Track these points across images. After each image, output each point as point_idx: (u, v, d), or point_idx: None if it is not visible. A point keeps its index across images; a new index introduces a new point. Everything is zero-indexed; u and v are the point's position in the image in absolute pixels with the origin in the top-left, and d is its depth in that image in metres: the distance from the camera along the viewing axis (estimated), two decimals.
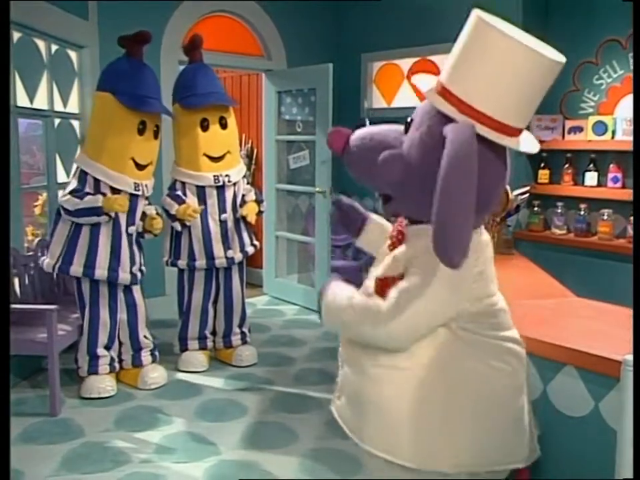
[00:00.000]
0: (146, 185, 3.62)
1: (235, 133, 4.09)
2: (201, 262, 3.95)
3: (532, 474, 1.97)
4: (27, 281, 3.76)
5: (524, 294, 2.71)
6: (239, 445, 3.14)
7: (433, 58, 5.50)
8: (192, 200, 3.90)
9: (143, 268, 3.81)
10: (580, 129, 4.70)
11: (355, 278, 6.00)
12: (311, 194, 5.66)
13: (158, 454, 3.04)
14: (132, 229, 3.64)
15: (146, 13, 4.83)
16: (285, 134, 5.79)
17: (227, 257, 3.97)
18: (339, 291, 1.88)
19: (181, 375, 3.98)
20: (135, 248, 3.71)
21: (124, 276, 3.59)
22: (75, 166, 3.65)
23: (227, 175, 3.93)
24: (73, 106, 4.45)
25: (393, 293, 1.69)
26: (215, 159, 3.91)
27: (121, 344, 3.77)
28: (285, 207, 5.99)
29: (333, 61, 5.21)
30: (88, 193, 3.44)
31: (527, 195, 3.60)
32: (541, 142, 4.69)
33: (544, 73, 1.58)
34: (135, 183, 3.53)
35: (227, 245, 3.98)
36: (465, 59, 1.63)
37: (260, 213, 4.12)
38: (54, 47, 4.19)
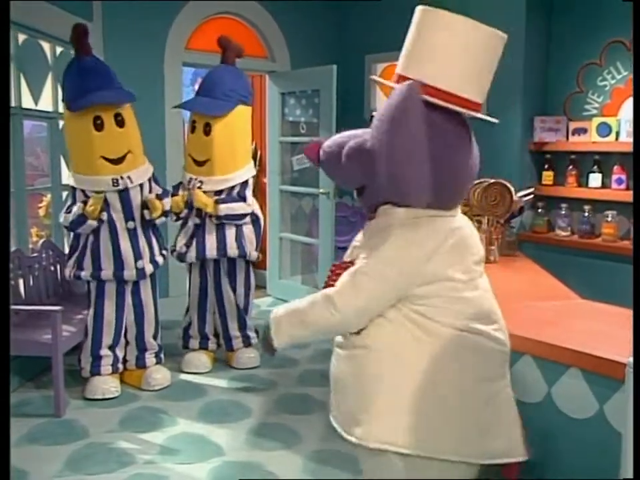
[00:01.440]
0: (129, 177, 3.51)
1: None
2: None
3: (535, 475, 1.97)
4: (31, 282, 3.77)
5: (528, 295, 2.71)
6: (242, 446, 3.15)
7: None
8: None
9: (158, 258, 3.76)
10: (584, 131, 4.69)
11: None
12: (315, 195, 5.66)
13: (162, 455, 3.05)
14: (131, 224, 3.59)
15: (150, 15, 4.85)
16: (289, 135, 5.79)
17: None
18: (281, 310, 1.94)
19: (184, 376, 3.99)
20: (142, 241, 3.65)
21: (129, 273, 3.58)
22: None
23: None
24: None
25: (342, 277, 1.75)
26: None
27: (127, 344, 3.78)
28: (289, 208, 6.00)
29: (336, 62, 5.21)
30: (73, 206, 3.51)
31: (531, 196, 3.60)
32: (544, 143, 4.89)
33: (488, 45, 1.77)
34: (113, 179, 3.47)
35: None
36: (415, 46, 1.76)
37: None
38: (59, 49, 4.20)
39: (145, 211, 3.62)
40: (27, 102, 3.91)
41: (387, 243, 1.68)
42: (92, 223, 3.46)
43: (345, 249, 5.54)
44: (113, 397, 3.60)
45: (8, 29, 2.06)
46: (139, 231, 3.64)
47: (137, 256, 3.61)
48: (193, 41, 5.24)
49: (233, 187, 3.93)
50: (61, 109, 4.23)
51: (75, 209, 3.47)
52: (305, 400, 3.69)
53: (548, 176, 4.97)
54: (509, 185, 3.44)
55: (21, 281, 3.69)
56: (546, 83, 5.02)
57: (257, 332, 4.21)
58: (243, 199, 4.01)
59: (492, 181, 3.49)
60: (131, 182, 3.53)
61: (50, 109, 4.13)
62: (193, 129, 3.92)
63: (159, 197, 3.67)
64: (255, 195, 6.34)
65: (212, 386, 3.87)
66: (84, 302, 3.76)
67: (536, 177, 5.08)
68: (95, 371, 3.62)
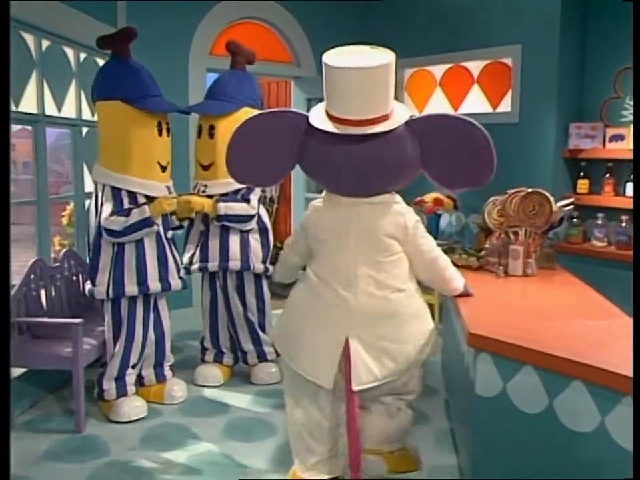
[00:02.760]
0: (172, 187, 3.54)
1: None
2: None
3: None
4: (53, 293, 3.69)
5: (572, 313, 2.55)
6: (268, 466, 3.02)
7: (467, 64, 5.36)
8: None
9: (182, 275, 3.67)
10: (621, 137, 4.52)
11: None
12: None
13: (185, 475, 2.93)
14: (170, 234, 3.55)
15: (174, 20, 4.78)
16: None
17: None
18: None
19: (208, 392, 3.87)
20: (175, 252, 3.60)
21: (175, 283, 3.50)
22: (97, 184, 3.41)
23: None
24: None
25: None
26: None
27: (145, 359, 3.64)
28: None
29: None
30: (130, 209, 3.29)
31: (571, 206, 3.43)
32: (580, 150, 4.73)
33: (340, 79, 2.35)
34: (167, 187, 3.46)
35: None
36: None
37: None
38: (82, 55, 4.13)
39: (173, 217, 3.61)
40: (50, 109, 3.83)
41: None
42: (155, 227, 3.32)
43: None
44: (142, 417, 3.47)
45: (8, 29, 1.97)
46: (172, 243, 3.61)
47: (179, 265, 3.58)
48: (217, 46, 5.15)
49: (237, 191, 3.77)
50: (85, 116, 4.18)
51: (135, 211, 3.27)
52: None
53: (583, 184, 4.80)
54: (547, 194, 3.28)
55: (42, 292, 3.61)
56: (582, 88, 4.86)
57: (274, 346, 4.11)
58: (246, 201, 3.81)
59: (529, 190, 3.33)
60: (172, 190, 3.55)
61: (73, 115, 4.06)
62: (199, 133, 3.84)
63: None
64: (278, 202, 6.29)
65: (235, 401, 3.75)
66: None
67: (570, 185, 4.92)
68: (121, 392, 3.47)
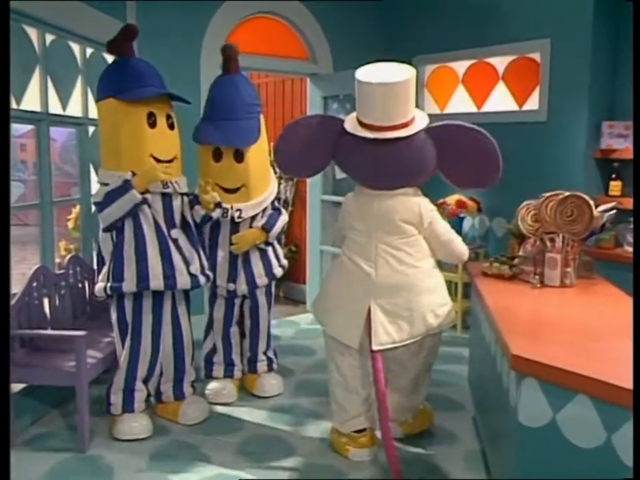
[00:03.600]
0: (176, 182, 3.21)
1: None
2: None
3: None
4: (57, 302, 3.48)
5: (622, 331, 2.29)
6: None
7: (492, 60, 5.11)
8: None
9: (209, 272, 3.39)
10: None
11: None
12: None
13: None
14: (175, 233, 3.23)
15: (185, 15, 4.57)
16: None
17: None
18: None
19: (218, 408, 3.64)
20: (188, 250, 3.28)
21: (182, 280, 3.18)
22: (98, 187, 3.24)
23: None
24: None
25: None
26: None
27: (161, 373, 3.41)
28: (330, 220, 5.64)
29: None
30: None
31: (613, 211, 3.18)
32: (612, 150, 4.45)
33: (367, 92, 2.78)
34: (163, 181, 3.13)
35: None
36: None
37: (219, 205, 3.46)
38: (89, 50, 3.92)
39: (195, 209, 3.33)
40: (55, 107, 3.63)
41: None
42: (134, 195, 3.01)
43: None
44: (144, 437, 3.24)
45: (8, 29, 1.94)
46: (182, 242, 3.28)
47: (188, 262, 3.24)
48: (230, 41, 4.93)
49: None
50: (92, 114, 3.98)
51: (117, 176, 3.05)
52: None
53: (615, 186, 4.56)
54: (587, 198, 3.03)
55: (45, 301, 3.41)
56: (614, 85, 4.59)
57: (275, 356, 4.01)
58: (278, 210, 3.78)
59: (567, 193, 3.09)
60: (179, 187, 3.25)
61: (79, 114, 3.85)
62: (217, 157, 3.53)
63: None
64: (293, 204, 6.08)
65: (249, 418, 3.52)
66: None
67: (602, 187, 4.66)
68: (128, 408, 3.24)
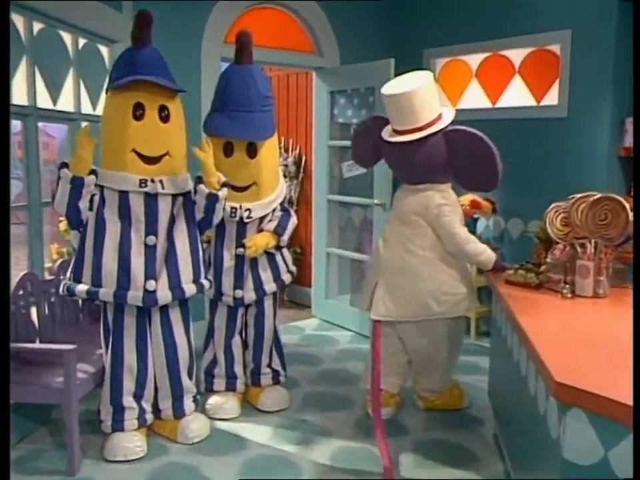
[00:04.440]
0: (160, 181, 2.89)
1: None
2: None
3: None
4: (46, 310, 3.24)
5: None
6: None
7: (507, 53, 4.85)
8: None
9: (188, 286, 3.03)
10: None
11: None
12: (365, 206, 5.06)
13: None
14: (152, 239, 2.92)
15: (186, 5, 4.32)
16: (338, 139, 5.19)
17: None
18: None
19: (219, 424, 3.38)
20: (167, 259, 2.95)
21: (134, 295, 2.87)
22: None
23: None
24: None
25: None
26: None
27: (157, 389, 3.16)
28: (337, 220, 5.40)
29: (391, 57, 4.58)
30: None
31: None
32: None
33: (384, 102, 3.21)
34: (141, 180, 2.86)
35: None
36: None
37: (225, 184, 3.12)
38: (82, 41, 3.67)
39: (198, 188, 2.97)
40: (44, 101, 3.38)
41: None
42: (66, 172, 2.75)
43: None
44: (137, 458, 2.98)
45: (8, 29, 1.92)
46: (160, 250, 2.96)
47: (149, 274, 2.91)
48: (232, 33, 4.68)
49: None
50: (85, 109, 3.74)
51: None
52: (365, 455, 3.08)
53: None
54: (622, 200, 2.78)
55: (33, 309, 3.16)
56: None
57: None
58: (288, 211, 3.55)
59: (599, 195, 2.83)
60: (162, 187, 2.92)
61: (71, 109, 3.60)
62: (228, 152, 3.28)
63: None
64: (298, 203, 5.83)
65: (253, 436, 3.27)
66: None
67: (624, 187, 4.41)
68: (117, 426, 3.00)
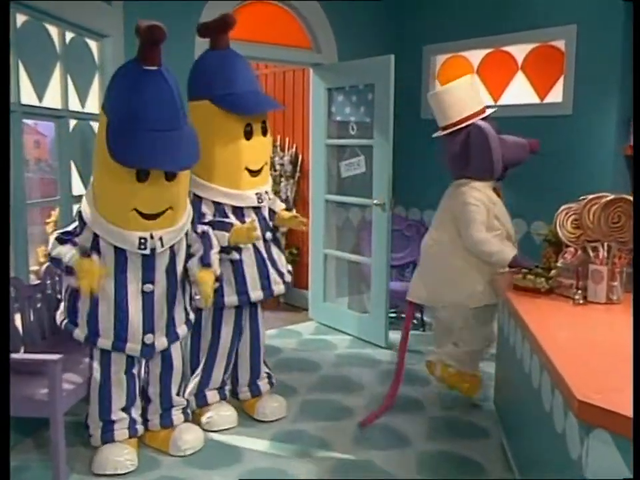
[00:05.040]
0: (160, 238, 2.75)
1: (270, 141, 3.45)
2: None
3: None
4: (31, 317, 3.08)
5: None
6: None
7: (510, 49, 4.72)
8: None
9: (181, 329, 2.98)
10: None
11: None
12: (364, 206, 4.92)
13: None
14: (149, 287, 2.80)
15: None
16: (336, 137, 5.05)
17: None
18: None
19: (213, 435, 3.24)
20: (162, 306, 2.86)
21: (132, 347, 2.81)
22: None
23: (266, 192, 3.28)
24: (93, 105, 3.76)
25: None
26: (255, 173, 3.21)
27: (149, 401, 3.03)
28: (335, 221, 5.25)
29: (390, 53, 4.44)
30: (73, 238, 2.77)
31: None
32: None
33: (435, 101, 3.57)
34: (141, 239, 2.71)
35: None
36: None
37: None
38: (69, 35, 3.51)
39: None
40: (29, 97, 3.22)
41: None
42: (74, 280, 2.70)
43: (400, 267, 5.12)
44: (127, 472, 2.83)
45: (8, 29, 1.89)
46: (157, 297, 2.85)
47: (147, 327, 2.83)
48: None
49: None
50: (73, 106, 3.58)
51: (65, 248, 2.74)
52: (365, 468, 2.94)
53: None
54: None
55: (17, 316, 3.01)
56: None
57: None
58: (205, 234, 3.08)
59: (612, 196, 2.70)
60: (162, 245, 2.80)
61: (58, 105, 3.44)
62: (248, 133, 3.13)
63: (205, 264, 2.93)
64: (295, 204, 5.69)
65: (248, 448, 3.13)
66: None
67: (631, 187, 4.28)
68: (107, 437, 2.85)
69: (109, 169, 2.65)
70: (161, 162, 2.62)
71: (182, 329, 3.01)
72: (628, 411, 1.54)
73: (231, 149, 3.09)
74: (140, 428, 2.99)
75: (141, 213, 2.70)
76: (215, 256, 2.95)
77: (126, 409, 2.91)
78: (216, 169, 3.11)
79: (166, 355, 2.98)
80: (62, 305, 2.92)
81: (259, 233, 3.08)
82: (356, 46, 5.03)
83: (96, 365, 2.86)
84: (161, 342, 2.89)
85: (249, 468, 2.94)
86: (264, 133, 3.19)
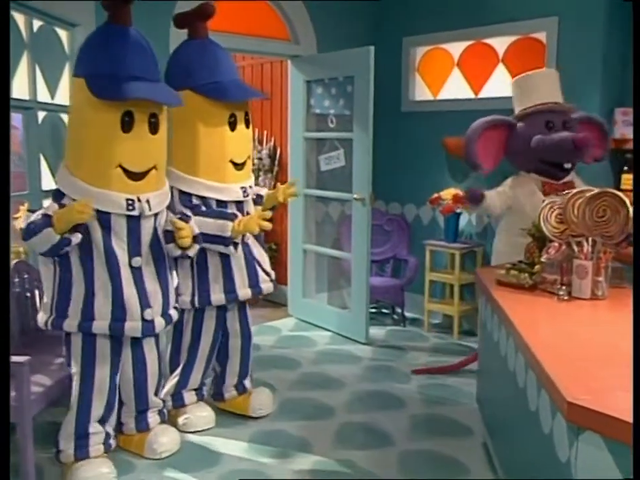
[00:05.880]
0: (147, 201, 2.68)
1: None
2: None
3: None
4: None
5: None
6: None
7: (491, 41, 4.67)
8: None
9: (172, 312, 2.88)
10: None
11: (394, 298, 5.06)
12: (344, 200, 4.85)
13: None
14: (137, 261, 2.71)
15: None
16: (315, 130, 4.96)
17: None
18: None
19: (191, 437, 3.15)
20: (153, 284, 2.77)
21: (132, 325, 2.68)
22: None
23: (250, 187, 3.18)
24: (62, 96, 3.63)
25: None
26: (240, 166, 3.12)
27: (122, 404, 2.92)
28: (314, 216, 5.17)
29: (370, 45, 4.36)
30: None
31: None
32: (626, 140, 4.04)
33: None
34: (128, 200, 2.64)
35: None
36: None
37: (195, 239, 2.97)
38: (37, 23, 3.38)
39: (170, 245, 2.81)
40: None
41: None
42: (52, 237, 2.49)
43: (380, 262, 5.01)
44: None
45: (8, 29, 1.85)
46: (145, 272, 2.76)
47: (143, 302, 2.71)
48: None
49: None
50: (41, 97, 3.45)
51: (39, 211, 2.58)
52: (346, 470, 2.87)
53: (628, 179, 4.16)
54: (622, 195, 2.60)
55: None
56: (628, 68, 4.18)
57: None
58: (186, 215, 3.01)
59: (597, 190, 2.65)
60: (150, 208, 2.71)
61: (26, 96, 3.31)
62: (232, 124, 3.05)
63: (184, 220, 2.83)
64: None
65: (225, 449, 3.04)
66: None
67: (612, 180, 4.25)
68: (81, 454, 2.70)
69: (92, 124, 2.57)
70: (149, 92, 2.59)
71: (173, 312, 2.90)
72: (619, 412, 1.48)
73: (215, 140, 3.00)
74: (113, 443, 2.87)
75: (126, 171, 2.61)
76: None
77: (102, 421, 2.77)
78: (200, 161, 3.01)
79: (138, 353, 2.85)
80: (45, 303, 2.73)
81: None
82: (335, 37, 4.94)
83: (75, 369, 2.72)
84: (159, 321, 2.76)
85: (226, 470, 2.85)
86: (247, 125, 3.11)
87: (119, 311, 2.64)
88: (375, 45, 4.36)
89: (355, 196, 4.47)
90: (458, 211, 4.66)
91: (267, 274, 3.26)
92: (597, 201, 2.60)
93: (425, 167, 5.09)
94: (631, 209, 2.56)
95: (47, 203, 3.06)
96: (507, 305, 2.48)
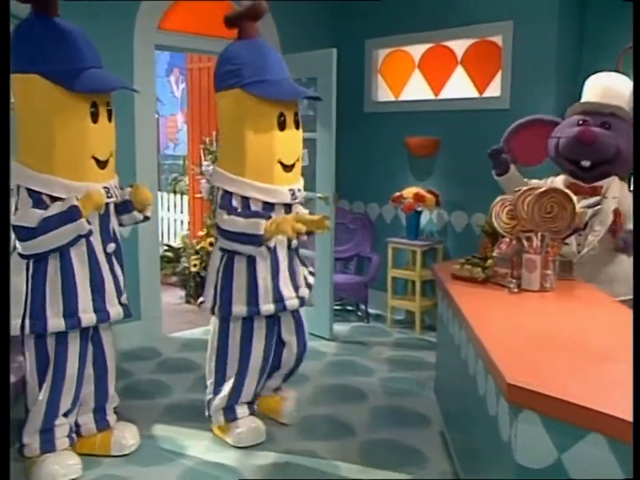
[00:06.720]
0: (115, 187, 2.78)
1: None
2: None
3: None
4: None
5: (625, 346, 1.99)
6: None
7: (450, 44, 4.80)
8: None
9: (124, 297, 2.88)
10: None
11: (358, 295, 5.16)
12: (308, 199, 4.92)
13: None
14: (111, 247, 2.76)
15: None
16: None
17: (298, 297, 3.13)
18: None
19: (158, 430, 3.20)
20: (118, 268, 2.82)
21: (115, 310, 2.74)
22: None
23: (299, 190, 3.09)
24: None
25: None
26: (288, 167, 3.01)
27: (80, 404, 2.87)
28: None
29: (333, 47, 4.46)
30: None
31: (598, 206, 2.90)
32: None
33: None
34: (105, 188, 2.68)
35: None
36: None
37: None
38: None
39: (134, 213, 2.90)
40: None
41: None
42: (82, 224, 2.55)
43: (344, 259, 4.93)
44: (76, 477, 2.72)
45: (8, 28, 1.86)
46: (117, 257, 2.82)
47: (118, 287, 2.78)
48: (167, 19, 4.48)
49: None
50: None
51: (56, 203, 2.54)
52: (311, 465, 2.95)
53: None
54: (569, 192, 2.74)
55: None
56: (581, 69, 4.34)
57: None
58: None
59: (545, 187, 2.79)
60: (114, 195, 2.76)
61: None
62: (282, 124, 2.94)
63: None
64: None
65: (191, 444, 3.10)
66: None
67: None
68: (47, 447, 2.68)
69: (63, 118, 2.55)
70: (120, 81, 2.72)
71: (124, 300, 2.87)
72: (556, 392, 1.60)
73: (263, 140, 2.91)
74: (74, 436, 2.85)
75: (97, 161, 2.66)
76: None
77: (68, 413, 2.76)
78: (247, 161, 2.91)
79: (98, 346, 2.84)
80: (23, 308, 2.59)
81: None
82: (298, 39, 5.02)
83: (50, 368, 2.68)
84: (114, 311, 2.77)
85: (190, 464, 2.91)
86: (297, 126, 3.02)
87: (100, 301, 2.68)
88: (337, 47, 4.45)
89: (319, 195, 4.56)
90: (419, 209, 4.79)
91: (297, 288, 3.14)
92: (546, 198, 2.73)
93: (387, 166, 5.20)
94: (577, 205, 2.70)
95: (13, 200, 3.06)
96: (460, 297, 2.60)
